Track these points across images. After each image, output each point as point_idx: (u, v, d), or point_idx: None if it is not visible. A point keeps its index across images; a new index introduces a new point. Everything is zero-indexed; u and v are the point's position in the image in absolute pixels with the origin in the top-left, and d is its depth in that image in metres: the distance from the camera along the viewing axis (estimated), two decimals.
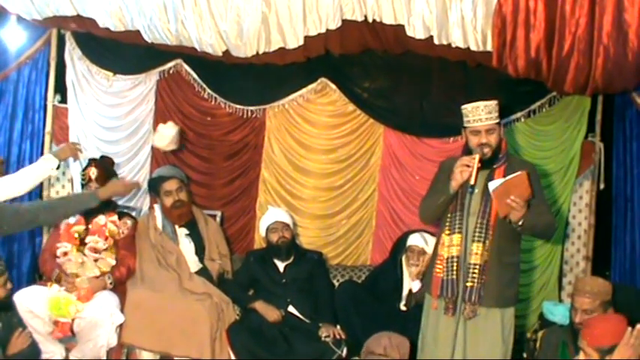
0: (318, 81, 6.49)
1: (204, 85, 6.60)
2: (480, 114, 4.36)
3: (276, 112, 6.64)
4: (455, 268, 4.36)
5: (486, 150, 4.33)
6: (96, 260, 5.33)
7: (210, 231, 5.88)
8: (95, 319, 5.07)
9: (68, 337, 5.19)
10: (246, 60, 5.98)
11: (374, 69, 6.48)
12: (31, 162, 6.76)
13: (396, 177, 6.53)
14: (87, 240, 5.37)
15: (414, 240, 5.68)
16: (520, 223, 4.20)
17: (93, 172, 5.47)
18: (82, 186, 5.56)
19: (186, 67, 6.61)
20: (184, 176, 5.93)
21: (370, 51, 6.13)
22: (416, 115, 6.44)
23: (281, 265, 5.74)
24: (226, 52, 5.91)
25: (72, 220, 5.45)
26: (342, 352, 5.17)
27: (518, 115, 6.25)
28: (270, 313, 5.43)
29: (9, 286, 4.73)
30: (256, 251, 6.15)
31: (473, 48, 5.27)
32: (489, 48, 5.18)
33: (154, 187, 5.83)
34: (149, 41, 6.03)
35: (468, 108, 4.40)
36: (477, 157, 4.21)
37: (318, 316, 5.53)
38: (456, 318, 4.32)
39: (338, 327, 5.41)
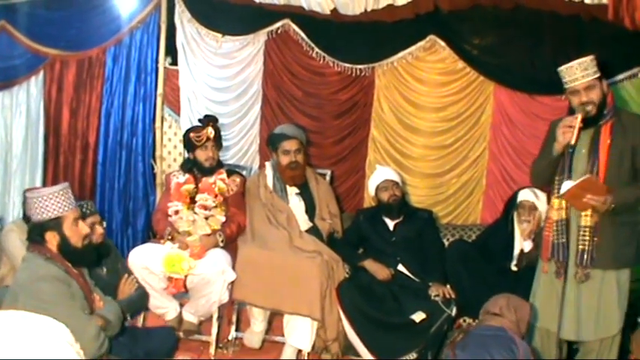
0: (427, 38, 6.39)
1: (313, 44, 6.62)
2: (575, 73, 4.25)
3: (385, 71, 6.60)
4: (565, 230, 4.31)
5: (589, 108, 4.23)
6: (206, 218, 5.41)
7: (321, 190, 5.86)
8: (207, 276, 5.17)
9: (182, 293, 5.34)
10: (355, 18, 5.98)
11: (483, 25, 6.31)
12: (144, 125, 6.95)
13: (507, 135, 6.39)
14: (197, 198, 5.46)
15: (525, 195, 5.55)
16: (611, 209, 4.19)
17: (210, 132, 5.52)
18: (195, 148, 5.55)
19: (294, 26, 6.63)
20: (305, 139, 5.85)
21: (479, 6, 6.00)
22: (527, 72, 6.24)
23: (391, 224, 5.70)
24: (334, 11, 5.90)
25: (181, 179, 5.55)
26: (451, 311, 5.11)
27: (635, 70, 5.91)
28: (379, 271, 5.41)
29: (101, 230, 4.81)
30: (366, 210, 6.14)
31: (587, 1, 5.12)
32: (605, 0, 5.00)
33: (274, 142, 5.77)
34: (257, 1, 6.10)
35: (563, 69, 4.30)
36: (579, 117, 4.15)
37: (427, 275, 5.46)
38: (567, 282, 4.29)
39: (448, 286, 5.33)
